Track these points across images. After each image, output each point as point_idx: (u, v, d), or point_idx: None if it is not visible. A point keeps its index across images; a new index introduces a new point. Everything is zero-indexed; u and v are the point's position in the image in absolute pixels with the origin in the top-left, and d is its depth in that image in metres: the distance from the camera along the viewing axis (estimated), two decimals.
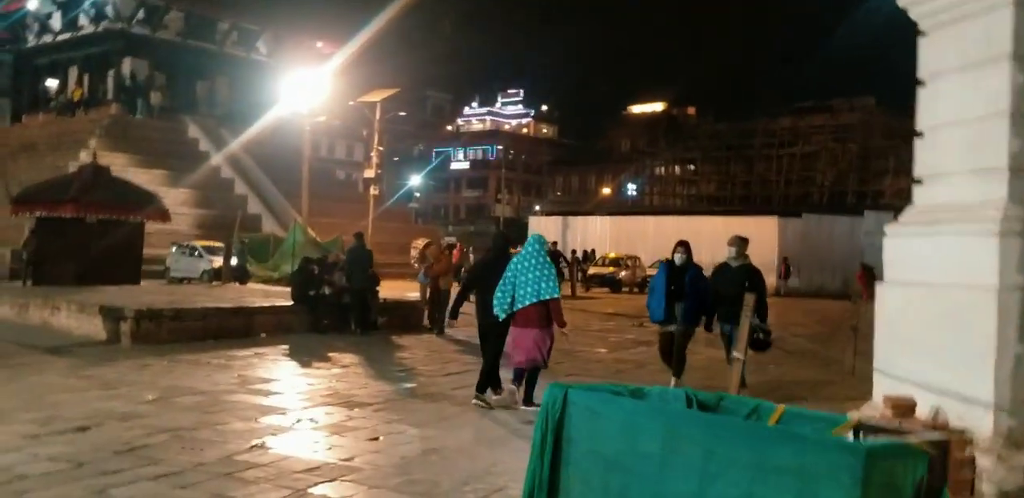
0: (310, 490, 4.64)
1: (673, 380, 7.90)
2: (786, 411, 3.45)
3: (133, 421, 6.18)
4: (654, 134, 65.12)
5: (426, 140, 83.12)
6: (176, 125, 36.77)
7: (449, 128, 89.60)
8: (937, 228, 5.18)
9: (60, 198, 15.93)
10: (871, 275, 29.88)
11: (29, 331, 11.82)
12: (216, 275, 22.29)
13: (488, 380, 7.31)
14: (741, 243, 8.17)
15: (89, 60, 38.73)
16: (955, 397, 4.81)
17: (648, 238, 34.33)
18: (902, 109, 48.56)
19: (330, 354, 10.45)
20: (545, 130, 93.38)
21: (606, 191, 64.97)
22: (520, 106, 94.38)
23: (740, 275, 7.97)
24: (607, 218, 38.87)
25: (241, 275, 21.56)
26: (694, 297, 7.87)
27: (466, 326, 14.73)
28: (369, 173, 38.36)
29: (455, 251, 19.93)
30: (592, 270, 29.56)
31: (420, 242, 30.07)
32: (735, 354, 6.73)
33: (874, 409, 5.43)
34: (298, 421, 6.41)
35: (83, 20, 38.79)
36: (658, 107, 75.02)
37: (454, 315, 7.97)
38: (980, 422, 4.67)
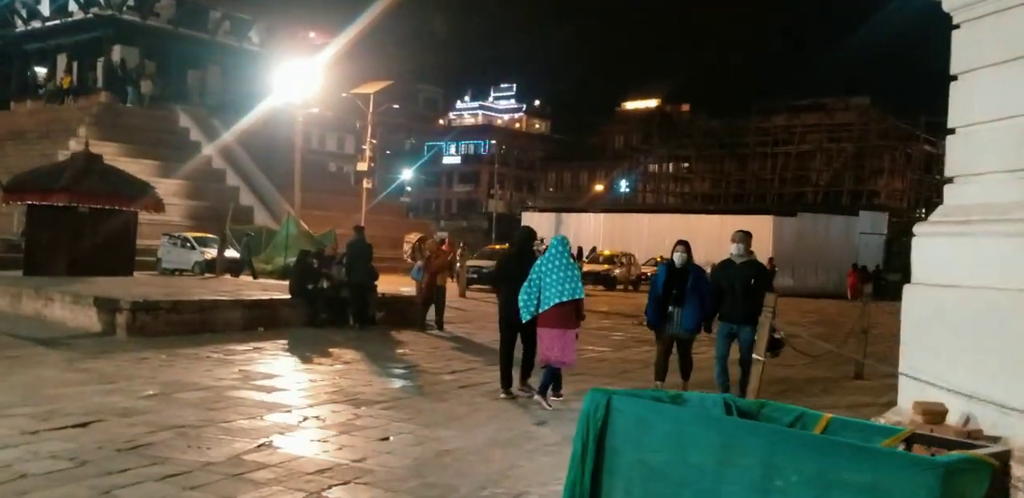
0: (324, 493, 4.48)
1: (682, 383, 7.73)
2: (832, 420, 3.32)
3: (135, 417, 6.00)
4: (648, 131, 64.79)
5: (418, 134, 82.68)
6: (167, 114, 36.24)
7: (441, 122, 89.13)
8: (971, 229, 5.06)
9: (52, 187, 15.59)
10: (863, 275, 29.96)
11: (22, 322, 11.60)
12: (208, 267, 22.04)
13: (510, 377, 7.55)
14: (746, 238, 7.74)
15: (78, 47, 38.02)
16: (989, 404, 4.70)
17: (643, 236, 34.26)
18: (897, 109, 48.77)
19: (331, 349, 10.29)
20: (537, 125, 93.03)
21: (599, 188, 64.75)
22: (512, 101, 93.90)
23: (746, 272, 7.60)
24: (601, 215, 38.67)
25: (242, 268, 21.33)
26: (696, 301, 7.57)
27: (463, 323, 14.73)
28: (362, 166, 37.94)
29: (444, 246, 19.73)
30: (586, 267, 29.42)
31: (413, 236, 29.87)
32: (754, 356, 6.56)
33: (901, 415, 5.31)
34: (304, 419, 6.25)
35: (72, 6, 38.05)
36: (652, 103, 74.69)
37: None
38: (1015, 430, 4.56)
